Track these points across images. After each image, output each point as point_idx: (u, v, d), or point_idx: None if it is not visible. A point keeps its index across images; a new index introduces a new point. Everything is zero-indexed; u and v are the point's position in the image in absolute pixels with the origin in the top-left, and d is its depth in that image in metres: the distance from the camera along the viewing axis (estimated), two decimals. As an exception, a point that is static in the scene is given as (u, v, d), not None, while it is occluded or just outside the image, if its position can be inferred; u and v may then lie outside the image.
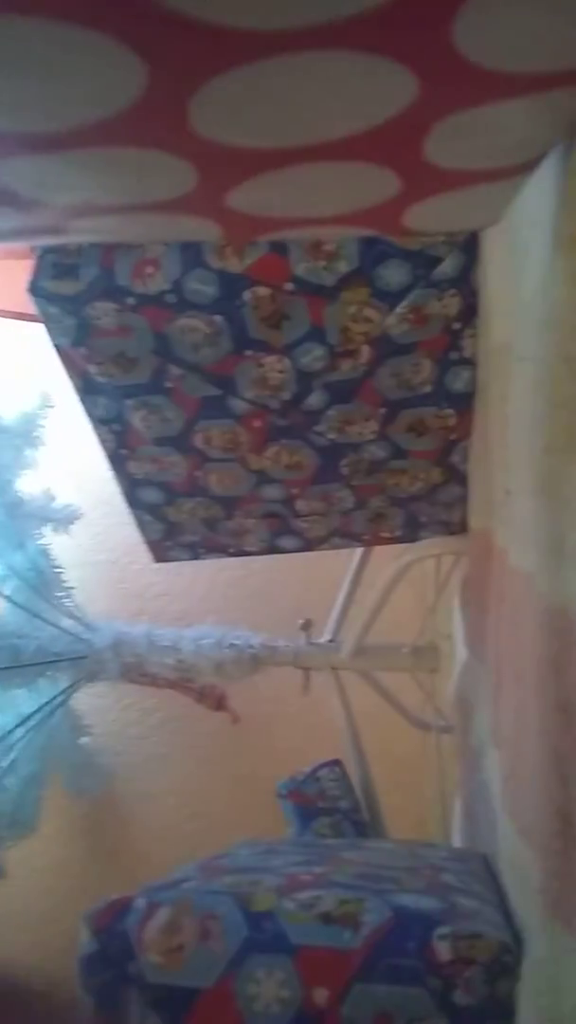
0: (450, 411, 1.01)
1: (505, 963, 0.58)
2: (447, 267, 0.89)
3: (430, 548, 1.24)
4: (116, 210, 0.49)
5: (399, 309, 0.91)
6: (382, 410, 1.01)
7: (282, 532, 1.23)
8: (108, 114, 0.35)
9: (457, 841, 1.31)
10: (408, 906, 0.62)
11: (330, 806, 1.25)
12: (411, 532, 1.23)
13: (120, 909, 0.66)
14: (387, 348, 0.94)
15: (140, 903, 0.66)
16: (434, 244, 0.88)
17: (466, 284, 0.90)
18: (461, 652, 1.08)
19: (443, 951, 0.57)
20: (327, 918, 0.60)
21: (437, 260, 0.89)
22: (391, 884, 0.66)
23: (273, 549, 1.28)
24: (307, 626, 1.41)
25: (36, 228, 0.51)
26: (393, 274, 0.89)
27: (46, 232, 0.53)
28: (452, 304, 0.91)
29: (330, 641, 1.43)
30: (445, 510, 1.17)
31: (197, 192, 0.44)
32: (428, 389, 0.99)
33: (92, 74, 0.33)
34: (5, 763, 1.42)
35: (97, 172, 0.42)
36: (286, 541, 1.25)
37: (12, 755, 1.44)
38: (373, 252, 0.88)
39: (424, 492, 1.13)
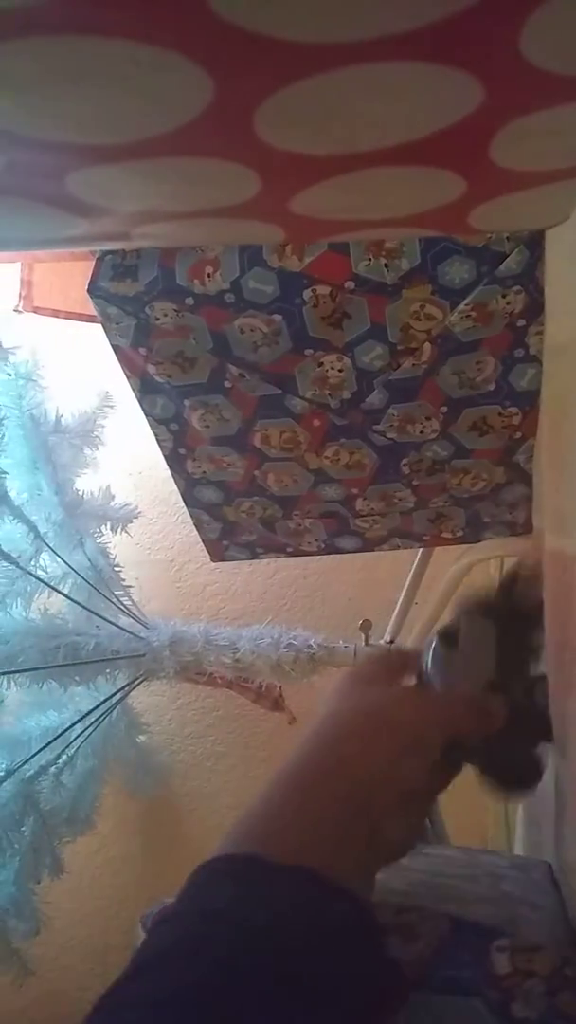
0: (514, 409, 0.99)
1: (566, 976, 0.56)
2: (511, 263, 0.87)
3: (493, 549, 1.22)
4: (180, 216, 0.48)
5: (462, 306, 0.89)
6: (444, 409, 0.99)
7: (341, 532, 1.22)
8: (175, 126, 0.36)
9: (519, 848, 1.29)
10: (466, 917, 0.60)
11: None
12: (474, 532, 1.20)
13: None
14: (450, 346, 0.92)
15: None
16: (498, 240, 0.86)
17: (531, 280, 0.88)
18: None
19: (501, 963, 0.56)
20: (383, 929, 0.59)
21: (501, 256, 0.87)
22: (450, 892, 0.65)
23: (331, 549, 1.27)
24: (366, 627, 1.40)
25: (101, 235, 0.51)
26: (456, 271, 0.87)
27: (111, 238, 0.53)
28: (516, 301, 0.89)
29: (390, 642, 1.42)
30: (509, 510, 1.15)
31: (260, 198, 0.44)
32: (491, 387, 0.97)
33: (161, 89, 0.33)
34: (63, 760, 1.43)
35: (162, 181, 0.42)
36: (345, 541, 1.24)
37: (70, 752, 1.45)
38: (435, 249, 0.86)
39: (487, 492, 1.11)
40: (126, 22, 0.29)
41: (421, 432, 1.02)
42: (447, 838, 1.31)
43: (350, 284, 0.88)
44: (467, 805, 1.66)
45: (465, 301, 0.89)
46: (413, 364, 0.94)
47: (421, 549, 1.35)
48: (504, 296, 0.88)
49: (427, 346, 0.92)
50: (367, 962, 0.42)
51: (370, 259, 0.87)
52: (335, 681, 0.60)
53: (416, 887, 0.66)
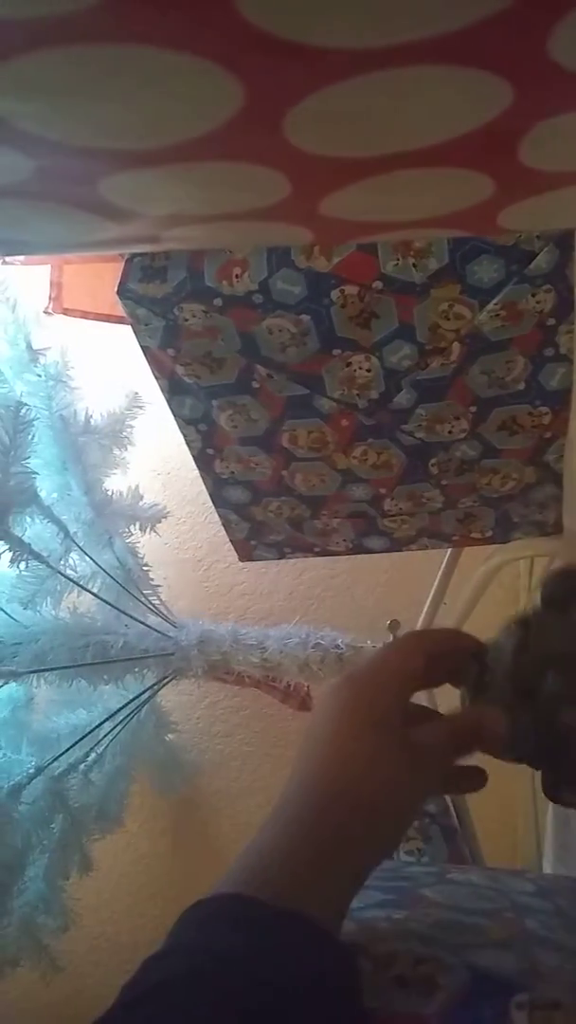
0: (544, 409, 0.98)
1: None
2: (541, 262, 0.86)
3: (523, 549, 1.21)
4: (209, 219, 0.48)
5: (491, 305, 0.89)
6: (473, 408, 0.99)
7: (369, 532, 1.22)
8: (206, 131, 0.36)
9: (548, 855, 1.28)
10: (486, 967, 0.60)
11: (418, 809, 1.23)
12: (503, 533, 1.20)
13: None
14: (478, 345, 0.92)
15: None
16: (528, 239, 0.85)
17: (561, 279, 0.87)
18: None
19: (520, 1021, 0.56)
20: (401, 980, 0.58)
21: (531, 255, 0.86)
22: (471, 936, 0.64)
23: (359, 549, 1.27)
24: (394, 627, 1.39)
25: (131, 238, 0.51)
26: (485, 270, 0.86)
27: (141, 241, 0.53)
28: (547, 300, 0.89)
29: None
30: (539, 510, 1.14)
31: (290, 200, 0.44)
32: (521, 387, 0.96)
33: (193, 95, 0.34)
34: (92, 758, 1.44)
35: (193, 185, 0.42)
36: (373, 541, 1.24)
37: (99, 750, 1.46)
38: (464, 248, 0.86)
39: (517, 492, 1.11)
40: (158, 30, 0.29)
41: (450, 432, 1.02)
42: (479, 850, 1.31)
43: (378, 284, 0.88)
44: (497, 806, 1.66)
45: (494, 300, 0.88)
46: (442, 364, 0.94)
47: (450, 549, 1.35)
48: (534, 295, 0.88)
49: (456, 345, 0.92)
50: (347, 1014, 0.43)
51: (398, 259, 0.86)
52: (326, 701, 0.53)
53: (435, 930, 0.65)
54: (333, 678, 1.43)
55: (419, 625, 1.41)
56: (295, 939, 0.42)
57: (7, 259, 1.24)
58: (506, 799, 1.68)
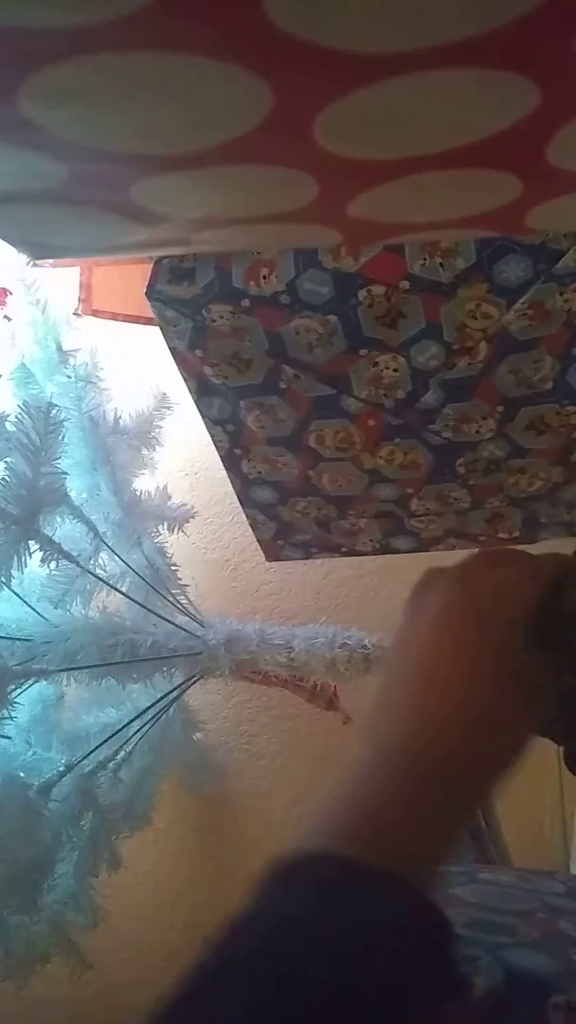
0: (572, 408, 0.98)
1: None
2: (569, 261, 0.86)
3: (551, 550, 1.21)
4: (239, 222, 0.49)
5: (519, 305, 0.88)
6: (500, 408, 0.99)
7: (396, 532, 1.22)
8: (236, 135, 0.36)
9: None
10: (522, 967, 0.59)
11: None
12: (530, 533, 1.19)
13: None
14: (506, 345, 0.92)
15: None
16: (555, 238, 0.85)
17: (590, 277, 0.87)
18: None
19: (556, 1022, 0.55)
20: None
21: (559, 254, 0.86)
22: (505, 936, 0.64)
23: (386, 549, 1.27)
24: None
25: (162, 241, 0.52)
26: (512, 269, 0.86)
27: (171, 244, 0.54)
28: (574, 299, 0.88)
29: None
30: (567, 510, 1.14)
31: (319, 202, 0.44)
32: (549, 386, 0.96)
33: (224, 100, 0.34)
34: (121, 756, 1.45)
35: (222, 188, 0.42)
36: (400, 541, 1.24)
37: (128, 748, 1.47)
38: (491, 248, 0.86)
39: (544, 492, 1.10)
40: (189, 38, 0.29)
41: (477, 431, 1.02)
42: (506, 850, 1.30)
43: (405, 284, 0.88)
44: (524, 806, 1.65)
45: (522, 299, 0.88)
46: (469, 363, 0.94)
47: (477, 549, 1.35)
48: (562, 294, 0.88)
49: (483, 345, 0.92)
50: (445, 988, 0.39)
51: (425, 259, 0.87)
52: (438, 619, 0.48)
53: (469, 929, 0.65)
54: (359, 678, 1.43)
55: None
56: (396, 905, 0.38)
57: (37, 262, 1.26)
58: (533, 800, 1.67)
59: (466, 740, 0.44)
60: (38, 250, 0.58)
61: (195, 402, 1.05)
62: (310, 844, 0.40)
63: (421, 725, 0.44)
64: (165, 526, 1.54)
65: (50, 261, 1.28)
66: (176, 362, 1.00)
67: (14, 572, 1.18)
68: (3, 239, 0.50)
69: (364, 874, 0.38)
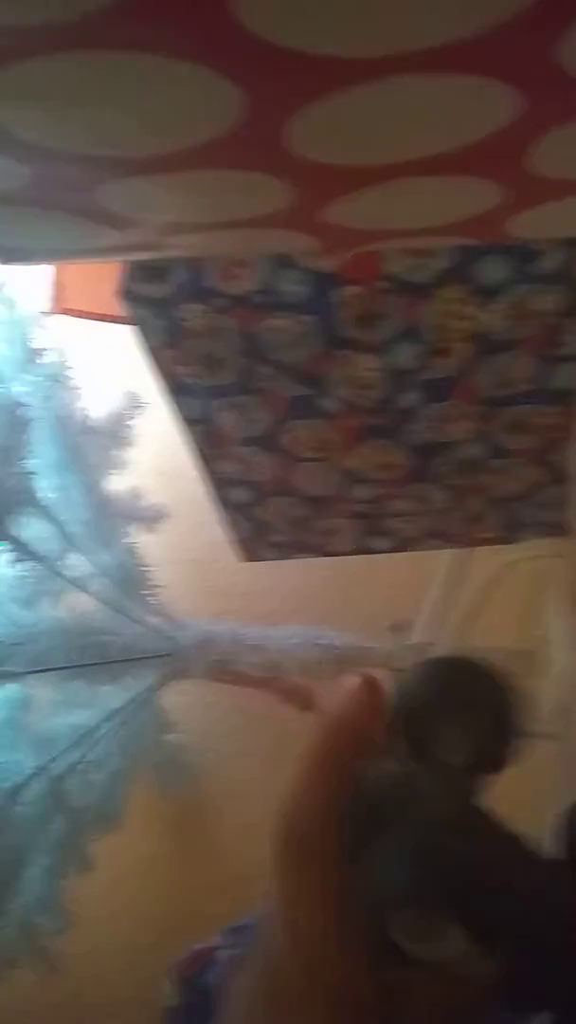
0: (552, 409, 0.97)
1: None
2: (549, 262, 0.85)
3: (530, 550, 1.21)
4: (212, 227, 0.47)
5: (498, 305, 0.87)
6: (479, 408, 0.98)
7: (374, 532, 1.21)
8: (207, 139, 0.35)
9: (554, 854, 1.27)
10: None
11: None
12: (510, 533, 1.19)
13: (204, 961, 0.64)
14: (485, 345, 0.91)
15: (222, 955, 0.63)
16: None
17: (569, 279, 0.86)
18: (563, 657, 1.04)
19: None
20: None
21: (538, 255, 0.85)
22: None
23: (364, 549, 1.25)
24: (397, 628, 1.38)
25: (132, 245, 0.50)
26: (492, 270, 0.85)
27: (142, 248, 0.52)
28: (553, 299, 0.87)
29: (427, 644, 1.40)
30: (546, 511, 1.13)
31: (294, 208, 0.43)
32: (529, 387, 0.95)
33: (193, 103, 0.33)
34: (92, 758, 1.43)
35: (194, 193, 0.41)
36: (378, 542, 1.23)
37: (99, 750, 1.45)
38: (470, 248, 0.84)
39: (524, 492, 1.09)
40: (158, 38, 0.28)
41: (456, 432, 1.00)
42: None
43: (383, 284, 0.86)
44: (503, 805, 1.65)
45: (501, 300, 0.87)
46: (447, 364, 0.92)
47: (456, 550, 1.34)
48: (541, 295, 0.87)
49: (462, 346, 0.91)
50: None
51: (404, 259, 0.85)
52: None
53: None
54: (334, 678, 1.42)
55: (425, 625, 1.40)
56: None
57: (6, 265, 1.23)
58: (513, 801, 1.67)
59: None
60: (7, 253, 0.56)
61: (168, 401, 1.03)
62: None
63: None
64: (137, 526, 1.52)
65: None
66: (149, 361, 0.98)
67: (-18, 574, 1.15)
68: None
69: None
